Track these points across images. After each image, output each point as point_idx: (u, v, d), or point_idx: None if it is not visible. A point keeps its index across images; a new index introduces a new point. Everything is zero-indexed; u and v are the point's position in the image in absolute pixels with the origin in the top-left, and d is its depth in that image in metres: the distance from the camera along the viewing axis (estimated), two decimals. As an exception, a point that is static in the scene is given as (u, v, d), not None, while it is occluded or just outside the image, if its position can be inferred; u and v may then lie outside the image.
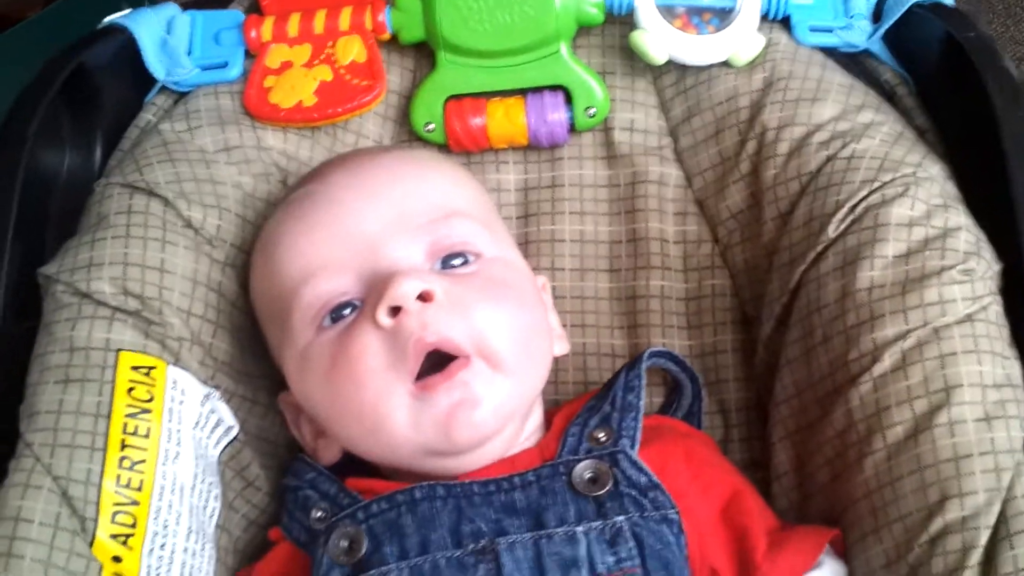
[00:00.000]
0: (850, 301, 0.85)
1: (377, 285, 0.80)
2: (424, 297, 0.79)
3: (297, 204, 0.87)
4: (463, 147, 1.00)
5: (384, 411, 0.79)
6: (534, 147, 1.01)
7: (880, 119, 0.92)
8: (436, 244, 0.84)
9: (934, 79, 0.95)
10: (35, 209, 0.89)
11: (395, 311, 0.79)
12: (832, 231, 0.87)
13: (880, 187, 0.87)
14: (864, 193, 0.87)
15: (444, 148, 1.01)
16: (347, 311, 0.82)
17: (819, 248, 0.88)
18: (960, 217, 0.85)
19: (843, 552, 0.83)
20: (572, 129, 1.00)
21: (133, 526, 0.79)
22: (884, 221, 0.85)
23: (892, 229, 0.84)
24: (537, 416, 0.89)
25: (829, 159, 0.90)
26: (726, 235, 0.98)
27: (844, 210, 0.87)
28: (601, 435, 0.84)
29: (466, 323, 0.80)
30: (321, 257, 0.83)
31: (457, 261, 0.84)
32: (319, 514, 0.84)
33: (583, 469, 0.81)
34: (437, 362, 0.79)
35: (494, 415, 0.80)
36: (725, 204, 0.98)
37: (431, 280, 0.80)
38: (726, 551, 0.81)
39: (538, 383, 0.86)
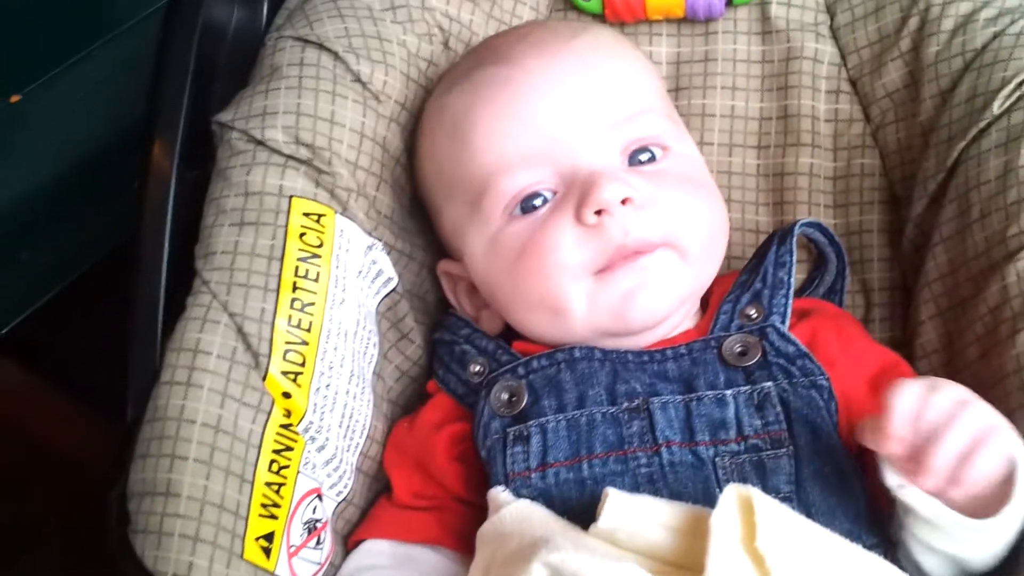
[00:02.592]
0: (1012, 177, 0.84)
1: (578, 183, 0.83)
2: (625, 200, 0.82)
3: (491, 88, 0.87)
4: (619, 17, 1.00)
5: (565, 299, 0.83)
6: (689, 20, 1.01)
7: (1050, -3, 0.91)
8: (629, 140, 0.86)
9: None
10: (206, 61, 0.91)
11: (598, 211, 0.82)
12: (997, 107, 0.87)
13: (1049, 64, 0.86)
14: (1033, 70, 0.86)
15: (600, 17, 1.01)
16: (537, 201, 0.85)
17: (981, 125, 0.87)
18: None
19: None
20: (729, 2, 1.00)
21: (302, 365, 0.82)
22: (1052, 98, 0.84)
23: (1061, 106, 0.84)
24: (697, 301, 0.91)
25: (996, 35, 0.89)
26: (879, 114, 0.98)
27: (1011, 86, 0.86)
28: (752, 312, 0.86)
29: (663, 222, 0.83)
30: (518, 149, 0.85)
31: (644, 156, 0.87)
32: (477, 368, 0.87)
33: (733, 343, 0.84)
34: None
35: (669, 299, 0.84)
36: (881, 82, 0.97)
37: (632, 182, 0.83)
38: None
39: (714, 274, 0.89)
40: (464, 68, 0.92)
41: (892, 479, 0.71)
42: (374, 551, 0.85)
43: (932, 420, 0.70)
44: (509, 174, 0.85)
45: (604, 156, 0.85)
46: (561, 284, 0.83)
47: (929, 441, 0.70)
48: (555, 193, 0.85)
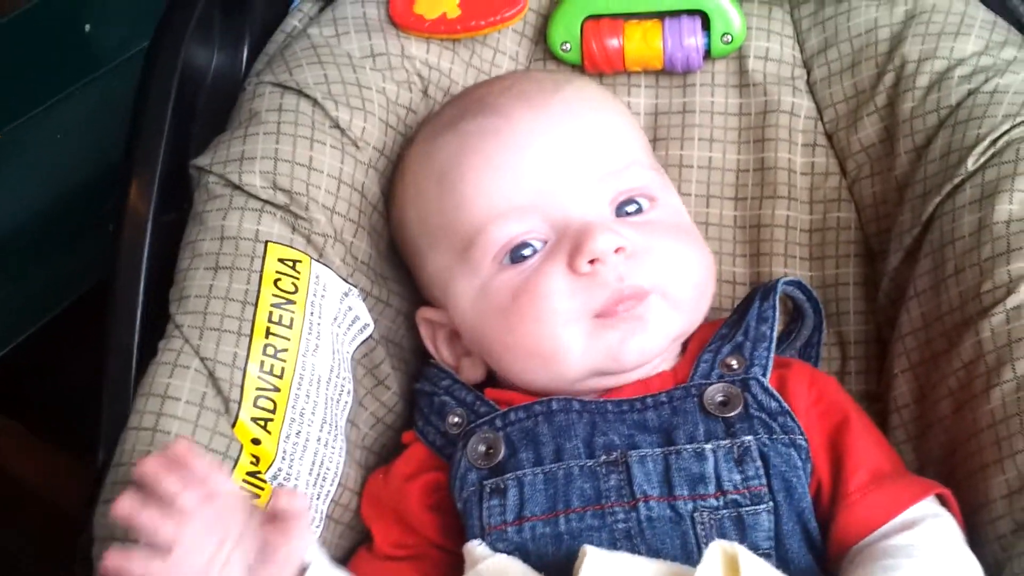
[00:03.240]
0: (986, 233, 0.85)
1: (570, 233, 0.84)
2: (618, 250, 0.83)
3: (477, 138, 0.88)
4: (598, 68, 1.01)
5: (559, 344, 0.84)
6: (667, 72, 1.02)
7: (1023, 56, 0.92)
8: (617, 192, 0.87)
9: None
10: (185, 105, 0.91)
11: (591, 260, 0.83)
12: (971, 164, 0.87)
13: (1023, 122, 0.87)
14: (1007, 127, 0.87)
15: (579, 68, 1.02)
16: (527, 251, 0.85)
17: (956, 181, 0.88)
18: (1103, 155, 0.85)
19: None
20: (707, 55, 1.01)
21: (273, 411, 0.81)
22: (1026, 156, 0.85)
23: (1034, 163, 0.84)
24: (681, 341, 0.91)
25: (971, 93, 0.90)
26: (855, 168, 0.99)
27: (985, 143, 0.87)
28: (733, 363, 0.86)
29: (653, 270, 0.84)
30: (509, 200, 0.86)
31: (631, 208, 0.88)
32: (455, 419, 0.87)
33: (715, 392, 0.84)
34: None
35: (661, 341, 0.85)
36: (856, 137, 0.98)
37: (624, 233, 0.84)
38: (826, 470, 0.82)
39: (702, 317, 0.89)
40: (449, 118, 0.92)
41: None
42: None
43: None
44: (499, 223, 0.85)
45: (594, 207, 0.86)
46: (556, 329, 0.84)
47: None
48: (545, 243, 0.85)
